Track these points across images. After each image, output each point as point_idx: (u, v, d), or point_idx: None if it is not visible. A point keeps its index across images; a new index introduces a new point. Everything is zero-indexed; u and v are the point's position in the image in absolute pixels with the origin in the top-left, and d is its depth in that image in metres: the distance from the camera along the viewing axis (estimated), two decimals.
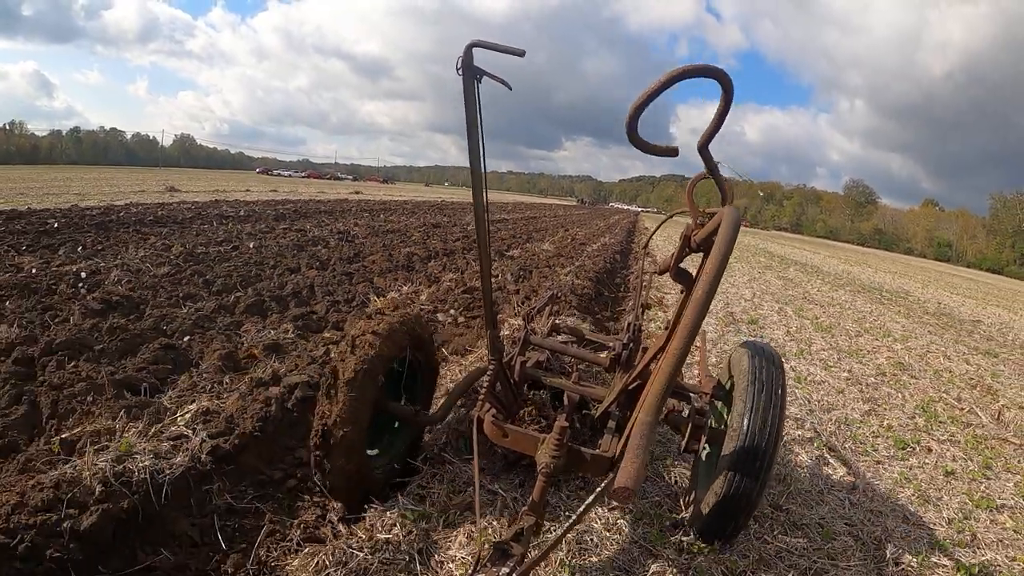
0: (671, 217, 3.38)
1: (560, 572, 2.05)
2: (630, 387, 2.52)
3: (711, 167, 2.07)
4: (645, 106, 1.72)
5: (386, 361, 2.22)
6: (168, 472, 2.27)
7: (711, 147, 2.00)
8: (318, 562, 1.94)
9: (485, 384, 2.40)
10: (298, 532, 2.20)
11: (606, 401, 2.57)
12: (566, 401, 2.74)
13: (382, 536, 2.07)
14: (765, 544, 2.40)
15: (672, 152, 1.91)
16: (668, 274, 2.42)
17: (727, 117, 1.85)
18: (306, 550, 2.07)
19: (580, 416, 2.76)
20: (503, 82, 2.03)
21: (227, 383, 3.32)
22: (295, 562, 2.02)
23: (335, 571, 1.90)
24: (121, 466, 2.23)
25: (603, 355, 3.09)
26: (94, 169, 52.85)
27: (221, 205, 15.11)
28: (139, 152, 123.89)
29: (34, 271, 5.68)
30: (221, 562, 2.10)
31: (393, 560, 1.98)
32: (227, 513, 2.33)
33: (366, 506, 2.28)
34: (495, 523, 2.25)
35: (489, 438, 2.25)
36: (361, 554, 1.97)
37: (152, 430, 2.61)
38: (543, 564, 1.98)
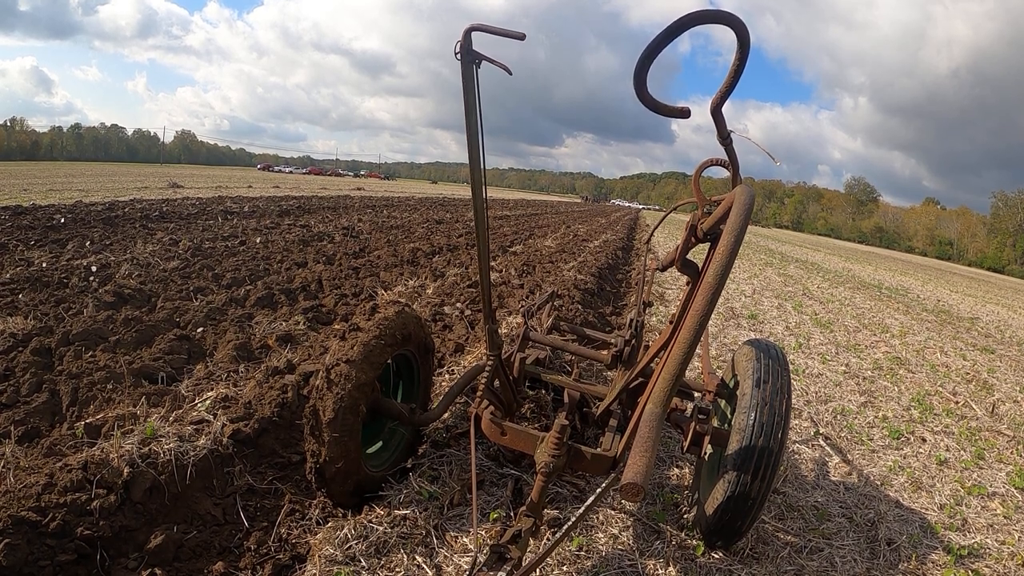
0: (675, 209, 3.35)
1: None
2: (632, 385, 2.47)
3: (723, 134, 1.91)
4: (653, 58, 1.57)
5: (367, 385, 2.16)
6: (192, 454, 2.37)
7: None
8: (341, 536, 2.04)
9: (483, 380, 2.34)
10: (317, 511, 2.30)
11: (607, 399, 2.50)
12: (566, 399, 2.67)
13: (400, 512, 2.18)
14: (762, 524, 2.51)
15: (683, 113, 1.76)
16: (672, 267, 2.35)
17: (742, 74, 1.68)
18: (329, 524, 2.17)
19: (581, 414, 2.70)
20: (503, 67, 1.93)
21: (243, 372, 3.43)
22: (319, 535, 2.12)
23: (357, 544, 2.01)
24: (147, 448, 2.32)
25: (604, 352, 3.05)
26: (95, 165, 52.99)
27: (225, 201, 15.20)
28: (140, 149, 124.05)
29: (44, 265, 5.77)
30: (244, 539, 2.20)
31: (411, 534, 2.09)
32: (248, 493, 2.43)
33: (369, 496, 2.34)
34: (499, 512, 2.32)
35: (487, 436, 2.19)
36: (381, 528, 2.08)
37: (173, 415, 2.72)
38: (542, 566, 1.94)
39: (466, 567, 1.95)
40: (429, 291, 6.22)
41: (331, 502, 2.32)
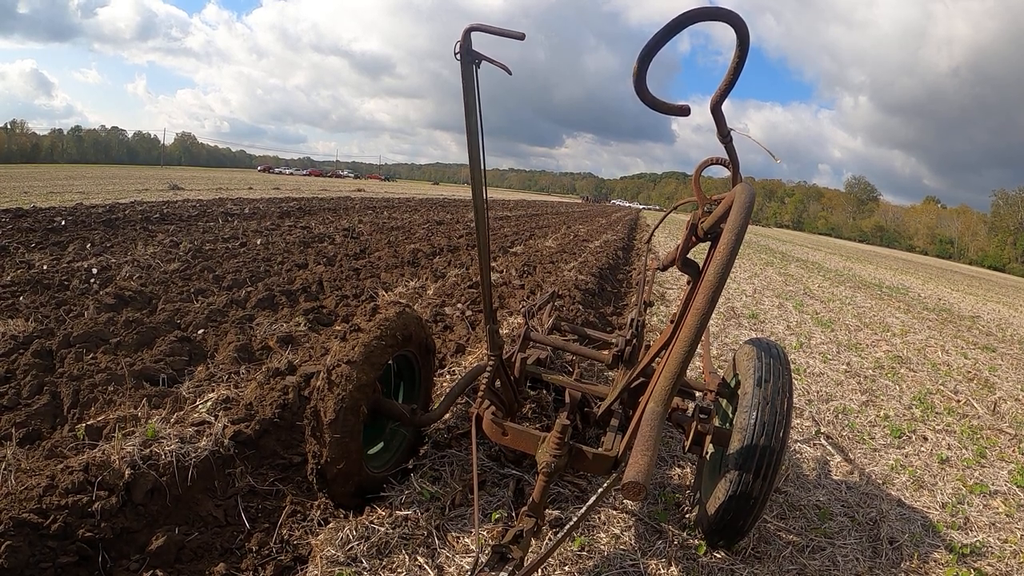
0: (675, 209, 3.34)
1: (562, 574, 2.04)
2: (633, 384, 2.47)
3: (723, 132, 1.90)
4: (652, 55, 1.57)
5: (368, 386, 2.16)
6: (193, 456, 2.37)
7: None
8: (342, 537, 2.04)
9: (484, 381, 2.34)
10: (318, 512, 2.30)
11: (608, 399, 2.50)
12: (567, 399, 2.65)
13: (402, 513, 2.18)
14: (764, 523, 2.50)
15: (683, 111, 1.76)
16: (673, 267, 2.38)
17: (742, 72, 1.69)
18: (330, 525, 2.17)
19: (582, 414, 2.66)
20: (503, 67, 1.92)
21: (244, 373, 3.43)
22: (320, 536, 2.12)
23: (358, 545, 2.01)
24: (148, 450, 2.32)
25: (605, 352, 3.04)
26: (96, 167, 53.09)
27: (225, 203, 15.20)
28: (140, 151, 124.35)
29: (45, 268, 5.78)
30: (245, 540, 2.20)
31: (413, 535, 2.08)
32: (250, 495, 2.43)
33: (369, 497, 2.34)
34: (502, 511, 2.32)
35: (488, 436, 2.19)
36: (383, 529, 2.08)
37: (174, 417, 2.72)
38: (544, 566, 1.94)
39: (468, 567, 1.95)
40: (430, 292, 6.22)
41: (332, 503, 2.31)
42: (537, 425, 2.98)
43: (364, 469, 2.27)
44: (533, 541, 1.86)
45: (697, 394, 2.83)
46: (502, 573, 1.66)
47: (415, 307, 5.31)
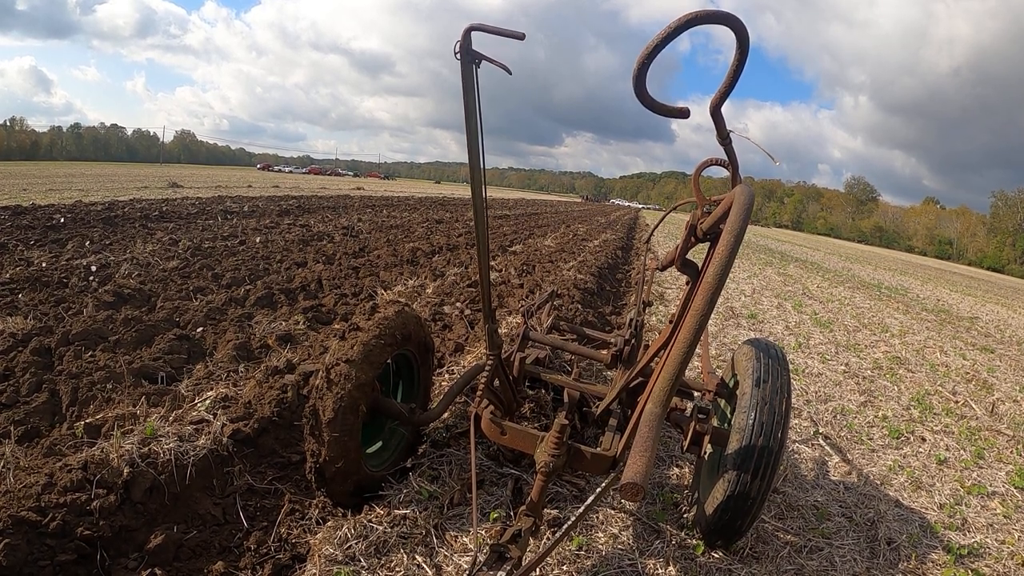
0: (675, 209, 3.34)
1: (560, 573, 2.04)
2: (632, 384, 2.47)
3: (723, 134, 1.91)
4: (652, 58, 1.58)
5: (367, 385, 2.16)
6: (192, 454, 2.37)
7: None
8: (340, 535, 2.04)
9: (483, 380, 2.34)
10: (316, 511, 2.30)
11: (607, 398, 2.49)
12: (566, 398, 2.65)
13: (400, 512, 2.19)
14: (762, 523, 2.51)
15: (683, 113, 1.76)
16: (672, 267, 2.39)
17: (742, 73, 1.69)
18: (329, 523, 2.17)
19: (580, 414, 2.68)
20: (503, 66, 1.92)
21: (242, 371, 3.43)
22: (319, 535, 2.12)
23: (357, 543, 2.01)
24: (147, 448, 2.32)
25: (604, 352, 3.04)
26: (95, 165, 53.04)
27: (225, 201, 15.19)
28: (139, 149, 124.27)
29: (44, 265, 5.77)
30: (244, 539, 2.20)
31: (411, 534, 2.09)
32: (248, 493, 2.43)
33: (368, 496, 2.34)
34: (500, 511, 2.32)
35: (487, 435, 2.19)
36: (381, 528, 2.08)
37: (173, 415, 2.72)
38: (542, 566, 1.94)
39: (466, 567, 1.95)
40: (429, 291, 6.22)
41: (331, 502, 2.32)
42: (536, 424, 2.98)
43: (363, 468, 2.27)
44: (531, 540, 1.86)
45: (696, 394, 2.83)
46: (500, 572, 1.67)
47: (414, 306, 5.31)
